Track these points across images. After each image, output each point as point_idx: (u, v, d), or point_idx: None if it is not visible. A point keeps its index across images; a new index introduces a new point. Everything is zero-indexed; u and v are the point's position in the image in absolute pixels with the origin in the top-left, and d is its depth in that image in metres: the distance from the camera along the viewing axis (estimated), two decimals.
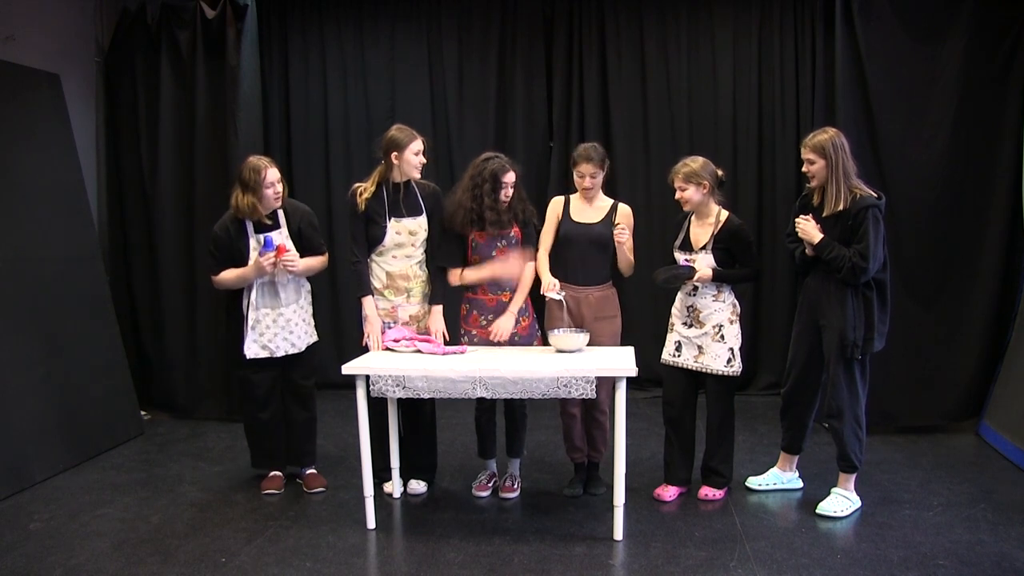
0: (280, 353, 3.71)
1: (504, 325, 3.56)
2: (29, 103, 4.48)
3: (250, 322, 3.67)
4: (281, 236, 3.68)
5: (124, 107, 5.32)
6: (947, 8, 4.55)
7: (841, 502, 3.50)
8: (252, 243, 3.66)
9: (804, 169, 3.50)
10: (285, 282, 3.70)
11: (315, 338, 3.85)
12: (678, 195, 3.58)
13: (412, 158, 3.58)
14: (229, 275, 3.68)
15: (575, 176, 3.67)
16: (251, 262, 3.63)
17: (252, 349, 3.68)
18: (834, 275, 3.41)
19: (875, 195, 3.38)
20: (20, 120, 4.39)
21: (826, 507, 3.49)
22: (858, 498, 3.56)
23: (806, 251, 3.51)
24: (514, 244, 3.61)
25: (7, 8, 4.52)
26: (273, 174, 3.62)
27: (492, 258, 3.59)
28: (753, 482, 3.76)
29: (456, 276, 3.63)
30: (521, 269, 3.62)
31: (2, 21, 4.46)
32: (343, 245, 3.89)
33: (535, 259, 3.67)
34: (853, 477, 3.55)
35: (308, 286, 3.85)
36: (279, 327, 3.69)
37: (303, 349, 3.78)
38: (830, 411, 3.47)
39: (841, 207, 3.37)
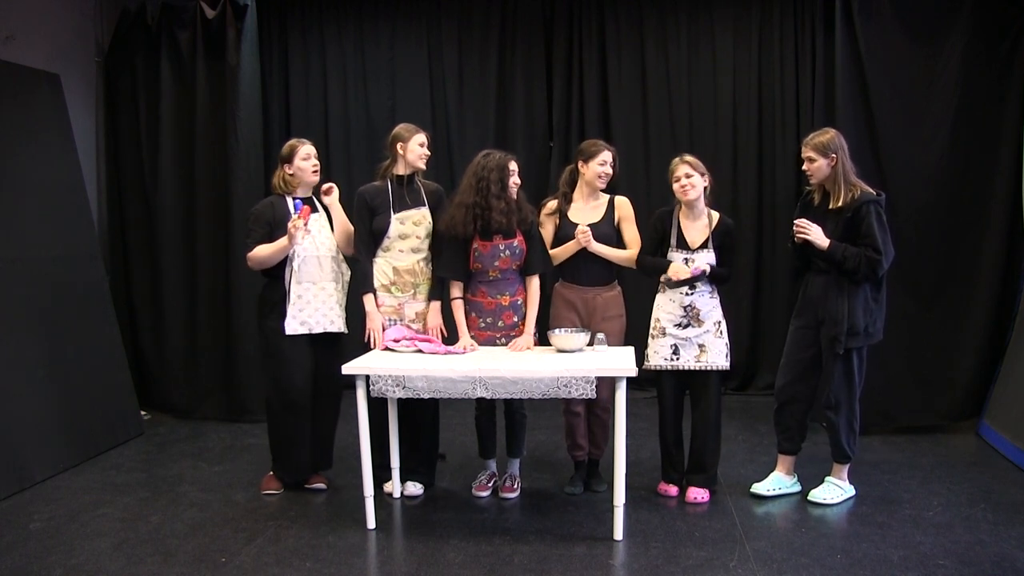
0: (318, 329, 3.68)
1: (521, 343, 3.56)
2: (29, 103, 4.47)
3: (292, 297, 3.64)
4: (320, 217, 3.74)
5: (124, 107, 5.32)
6: (947, 8, 4.56)
7: (833, 490, 3.62)
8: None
9: (804, 167, 3.54)
10: (326, 255, 3.70)
11: (345, 330, 3.80)
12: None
13: (417, 148, 3.67)
14: (265, 250, 3.62)
15: (595, 167, 3.63)
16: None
17: (291, 325, 3.64)
18: (834, 271, 3.44)
19: (874, 192, 3.46)
20: (20, 120, 4.38)
21: (817, 495, 3.61)
22: (851, 487, 3.67)
23: (815, 256, 3.50)
24: (518, 255, 3.59)
25: (7, 8, 4.52)
26: (308, 149, 3.75)
27: (494, 267, 3.58)
28: (760, 488, 3.68)
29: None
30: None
31: (2, 21, 4.46)
32: None
33: (548, 269, 3.71)
34: (847, 467, 3.65)
35: (348, 274, 3.83)
36: (320, 302, 3.68)
37: (341, 330, 3.75)
38: (828, 403, 3.52)
39: (841, 203, 3.44)
